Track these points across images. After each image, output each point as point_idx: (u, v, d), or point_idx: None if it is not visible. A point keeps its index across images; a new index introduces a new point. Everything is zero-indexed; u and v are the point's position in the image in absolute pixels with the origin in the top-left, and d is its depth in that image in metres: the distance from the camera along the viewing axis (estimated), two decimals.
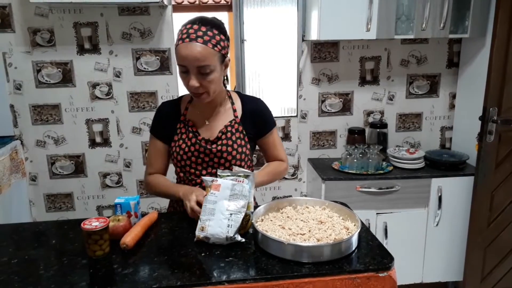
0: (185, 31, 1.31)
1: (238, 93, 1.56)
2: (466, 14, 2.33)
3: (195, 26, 1.31)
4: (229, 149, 1.45)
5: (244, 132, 1.49)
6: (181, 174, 1.51)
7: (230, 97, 1.52)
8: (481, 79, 2.31)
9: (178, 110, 1.53)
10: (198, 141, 1.46)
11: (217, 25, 1.35)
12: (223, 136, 1.46)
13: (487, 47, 2.31)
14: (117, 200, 1.34)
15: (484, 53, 2.36)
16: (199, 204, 1.28)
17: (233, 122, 1.48)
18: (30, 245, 1.26)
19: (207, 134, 1.48)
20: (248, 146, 1.50)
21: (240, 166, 1.47)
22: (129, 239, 1.17)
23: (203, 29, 1.31)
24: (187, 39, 1.29)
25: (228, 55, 1.42)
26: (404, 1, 2.29)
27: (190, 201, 1.30)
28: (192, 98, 1.53)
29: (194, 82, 1.32)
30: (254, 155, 2.68)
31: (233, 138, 1.46)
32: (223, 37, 1.35)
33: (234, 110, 1.50)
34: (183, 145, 1.47)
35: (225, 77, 1.48)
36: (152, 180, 1.54)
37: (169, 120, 1.52)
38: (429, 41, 2.63)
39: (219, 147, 1.45)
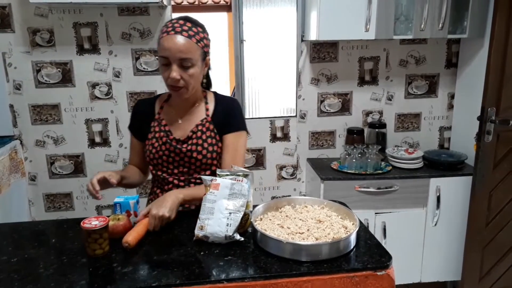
0: (170, 25, 1.36)
1: (215, 93, 1.57)
2: (464, 15, 2.33)
3: (181, 21, 1.37)
4: (199, 148, 1.46)
5: (216, 131, 1.49)
6: (154, 172, 1.55)
7: (205, 97, 1.54)
8: (479, 79, 2.32)
9: (153, 108, 1.55)
10: (169, 141, 1.47)
11: (200, 25, 1.41)
12: (194, 136, 1.47)
13: (485, 47, 2.32)
14: (116, 199, 1.35)
15: (483, 54, 2.37)
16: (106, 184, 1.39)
17: (204, 120, 1.49)
18: (30, 244, 1.27)
19: (179, 133, 1.49)
20: (220, 144, 1.50)
21: (211, 164, 1.48)
22: (131, 238, 1.18)
23: (188, 24, 1.36)
24: (172, 32, 1.33)
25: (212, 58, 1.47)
26: (403, 2, 2.30)
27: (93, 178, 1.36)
28: (168, 97, 1.56)
29: (175, 74, 1.34)
30: (253, 155, 2.71)
31: (203, 137, 1.47)
32: (206, 36, 1.41)
33: (207, 109, 1.51)
34: (156, 144, 1.49)
35: (205, 77, 1.51)
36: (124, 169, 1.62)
37: (144, 118, 1.55)
38: (427, 42, 2.64)
39: (189, 147, 1.46)
